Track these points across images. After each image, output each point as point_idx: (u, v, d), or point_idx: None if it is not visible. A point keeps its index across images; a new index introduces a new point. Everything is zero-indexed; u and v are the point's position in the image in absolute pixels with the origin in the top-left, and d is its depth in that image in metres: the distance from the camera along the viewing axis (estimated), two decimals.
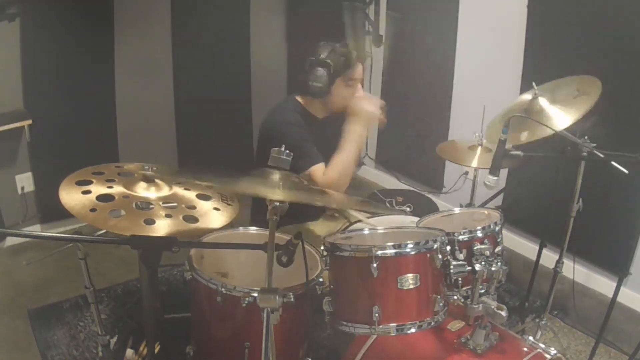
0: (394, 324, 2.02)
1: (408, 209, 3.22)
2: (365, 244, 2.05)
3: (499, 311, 2.02)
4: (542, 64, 3.73)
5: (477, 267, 2.08)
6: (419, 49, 4.70)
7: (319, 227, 3.03)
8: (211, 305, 2.30)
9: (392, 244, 2.03)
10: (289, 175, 1.81)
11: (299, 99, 3.00)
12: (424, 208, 3.18)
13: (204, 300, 2.35)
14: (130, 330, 3.14)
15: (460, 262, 2.14)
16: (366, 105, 2.86)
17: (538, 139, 2.61)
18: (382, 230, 2.37)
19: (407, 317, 2.04)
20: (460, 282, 2.18)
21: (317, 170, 2.77)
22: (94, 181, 2.15)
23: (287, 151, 1.78)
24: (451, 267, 2.12)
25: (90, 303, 2.46)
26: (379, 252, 2.00)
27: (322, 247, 2.21)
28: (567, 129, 2.53)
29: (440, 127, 4.60)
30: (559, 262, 2.97)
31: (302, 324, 2.42)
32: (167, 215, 2.03)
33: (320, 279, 2.30)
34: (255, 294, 2.08)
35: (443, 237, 2.15)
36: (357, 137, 2.83)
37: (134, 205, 2.05)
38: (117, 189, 2.14)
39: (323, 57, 2.83)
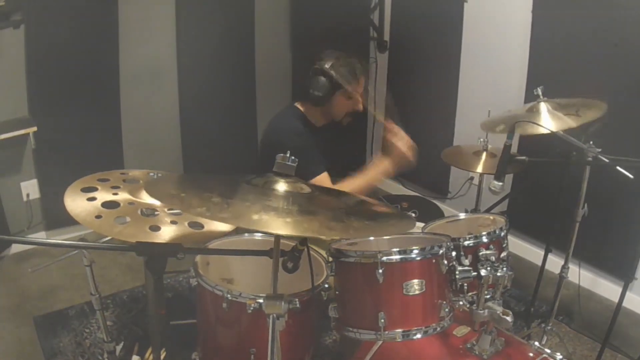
0: (400, 330, 2.02)
1: (413, 215, 3.21)
2: (370, 250, 2.05)
3: (504, 316, 2.01)
4: (546, 70, 3.73)
5: (483, 272, 2.07)
6: (423, 55, 4.70)
7: None
8: (217, 312, 2.30)
9: (397, 249, 2.03)
10: (295, 185, 1.79)
11: (299, 106, 3.00)
12: (429, 214, 3.18)
13: (209, 306, 2.35)
14: (136, 337, 3.14)
15: (466, 268, 2.14)
16: (403, 146, 2.86)
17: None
18: (387, 236, 2.37)
19: (413, 323, 2.04)
20: (465, 287, 2.18)
21: (323, 179, 2.77)
22: (99, 188, 2.15)
23: (293, 157, 1.78)
24: (457, 272, 2.12)
25: (95, 310, 2.46)
26: (385, 258, 2.01)
27: (327, 253, 2.21)
28: (571, 134, 2.53)
29: (445, 133, 4.60)
30: (564, 267, 2.96)
31: (308, 330, 2.42)
32: (173, 222, 2.03)
33: (326, 285, 2.30)
34: (261, 300, 2.08)
35: (448, 243, 2.15)
36: (381, 173, 2.88)
37: (139, 212, 2.05)
38: (123, 196, 2.13)
39: (327, 67, 2.82)
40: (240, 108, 4.86)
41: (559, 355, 2.11)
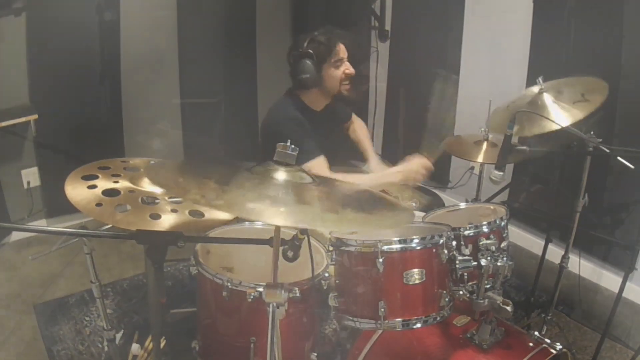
0: (400, 319, 2.02)
1: (414, 204, 3.21)
2: (371, 239, 2.04)
3: (504, 306, 2.01)
4: (547, 59, 3.72)
5: (483, 262, 2.07)
6: (425, 44, 4.69)
7: None
8: (217, 300, 2.30)
9: (397, 239, 2.03)
10: (295, 174, 1.78)
11: (297, 93, 3.03)
12: (429, 203, 3.17)
13: (209, 295, 2.35)
14: (136, 325, 3.15)
15: (466, 257, 2.14)
16: (419, 169, 2.86)
17: (543, 133, 2.60)
18: (380, 229, 2.37)
19: (413, 312, 2.04)
20: (466, 277, 2.18)
21: (318, 163, 2.77)
22: (100, 176, 2.14)
23: (293, 146, 1.77)
24: (457, 262, 2.12)
25: (96, 298, 2.46)
26: (385, 247, 2.00)
27: (328, 242, 2.21)
28: (572, 125, 2.52)
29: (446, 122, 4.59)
30: (564, 257, 2.96)
31: (308, 319, 2.42)
32: (173, 210, 2.03)
33: (326, 274, 2.30)
34: (261, 289, 2.06)
35: (449, 232, 2.15)
36: (386, 183, 2.89)
37: (139, 200, 2.05)
38: (123, 184, 2.13)
39: (304, 49, 2.89)
40: (241, 96, 4.85)
41: (558, 345, 2.12)
